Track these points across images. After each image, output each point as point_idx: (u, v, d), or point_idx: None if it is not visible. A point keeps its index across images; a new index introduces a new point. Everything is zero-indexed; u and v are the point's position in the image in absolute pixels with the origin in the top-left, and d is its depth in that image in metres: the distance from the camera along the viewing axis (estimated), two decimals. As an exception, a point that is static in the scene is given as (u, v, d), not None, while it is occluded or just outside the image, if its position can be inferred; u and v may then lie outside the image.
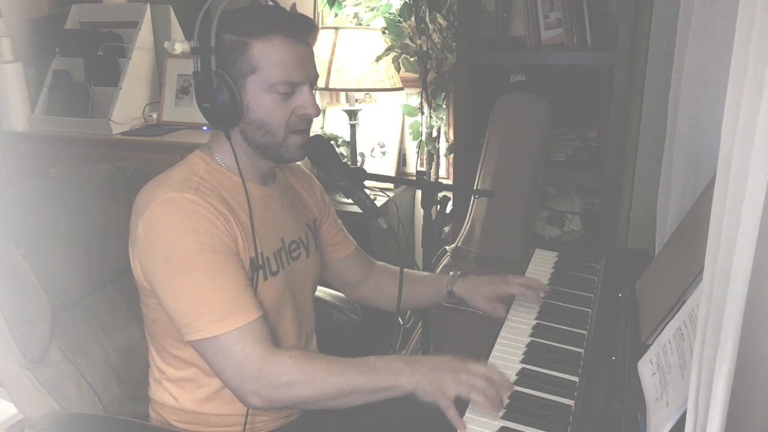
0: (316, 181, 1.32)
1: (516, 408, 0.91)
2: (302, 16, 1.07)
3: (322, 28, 2.32)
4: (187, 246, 0.96)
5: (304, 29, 1.04)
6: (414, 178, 1.84)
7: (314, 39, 1.06)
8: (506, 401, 0.92)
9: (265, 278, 1.07)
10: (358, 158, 2.45)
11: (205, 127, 2.30)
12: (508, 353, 1.06)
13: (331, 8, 2.42)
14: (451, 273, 1.28)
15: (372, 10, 2.38)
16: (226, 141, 1.05)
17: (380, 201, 2.29)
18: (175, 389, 1.10)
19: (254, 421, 1.10)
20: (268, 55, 1.00)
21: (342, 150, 2.44)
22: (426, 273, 1.39)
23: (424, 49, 2.29)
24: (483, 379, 0.92)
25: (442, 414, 0.90)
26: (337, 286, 1.42)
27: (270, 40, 1.00)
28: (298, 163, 1.19)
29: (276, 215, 1.13)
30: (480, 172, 1.99)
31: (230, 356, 0.96)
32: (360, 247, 1.39)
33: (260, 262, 1.05)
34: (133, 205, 1.03)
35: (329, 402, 0.97)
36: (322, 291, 1.42)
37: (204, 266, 0.96)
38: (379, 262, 1.40)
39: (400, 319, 2.32)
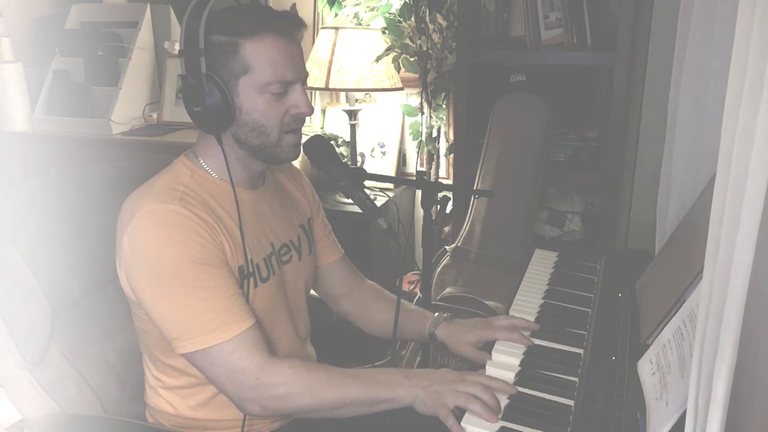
0: (306, 178, 1.29)
1: (516, 408, 0.91)
2: (291, 14, 1.05)
3: (322, 28, 2.32)
4: (174, 259, 0.95)
5: (294, 27, 1.02)
6: (414, 178, 1.84)
7: (302, 37, 1.05)
8: (506, 401, 0.92)
9: (256, 285, 1.05)
10: (358, 158, 2.45)
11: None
12: (508, 353, 1.06)
13: (331, 8, 2.42)
14: (436, 314, 1.22)
15: (372, 10, 2.38)
16: (214, 145, 1.03)
17: (380, 201, 2.29)
18: (171, 396, 1.09)
19: (252, 424, 1.10)
20: (261, 55, 0.98)
21: (342, 150, 2.44)
22: (414, 307, 1.30)
23: (424, 49, 2.29)
24: (481, 387, 0.92)
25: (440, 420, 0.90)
26: (321, 296, 1.36)
27: (262, 40, 0.98)
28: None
29: (266, 220, 1.11)
30: (480, 172, 1.99)
31: (226, 366, 0.95)
32: (349, 259, 1.33)
33: (250, 270, 1.03)
34: (118, 217, 1.00)
35: (328, 413, 0.97)
36: (321, 291, 1.41)
37: (193, 278, 0.95)
38: (371, 282, 1.34)
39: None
